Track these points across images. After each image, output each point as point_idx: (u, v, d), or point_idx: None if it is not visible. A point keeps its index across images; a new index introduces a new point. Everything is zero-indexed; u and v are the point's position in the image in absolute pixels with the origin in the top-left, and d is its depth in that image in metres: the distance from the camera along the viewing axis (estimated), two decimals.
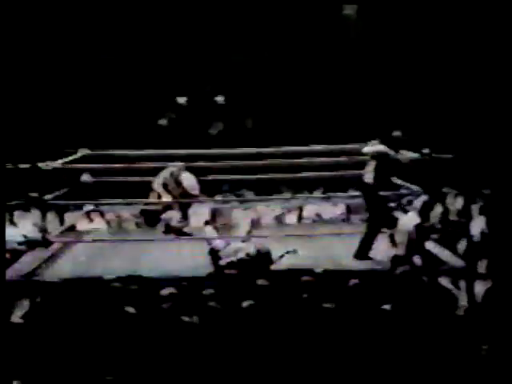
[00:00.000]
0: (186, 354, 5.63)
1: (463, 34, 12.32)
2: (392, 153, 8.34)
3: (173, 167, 9.64)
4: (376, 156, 8.32)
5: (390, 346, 5.66)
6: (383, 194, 8.35)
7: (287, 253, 7.90)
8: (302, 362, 5.58)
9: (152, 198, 10.82)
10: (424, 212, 8.79)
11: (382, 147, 8.37)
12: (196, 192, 9.58)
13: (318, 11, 13.02)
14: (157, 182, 9.63)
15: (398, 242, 8.25)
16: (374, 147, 8.46)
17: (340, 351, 5.63)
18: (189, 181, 9.56)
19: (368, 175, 8.37)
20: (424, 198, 8.85)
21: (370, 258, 8.22)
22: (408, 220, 8.31)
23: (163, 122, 12.76)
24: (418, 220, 8.23)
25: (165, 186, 9.58)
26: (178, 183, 9.55)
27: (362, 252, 8.28)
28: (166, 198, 9.56)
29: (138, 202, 10.43)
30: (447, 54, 12.51)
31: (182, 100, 12.91)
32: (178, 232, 9.54)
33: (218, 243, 8.07)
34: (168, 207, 9.73)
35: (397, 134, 8.47)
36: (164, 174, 9.61)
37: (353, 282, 6.65)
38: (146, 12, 12.87)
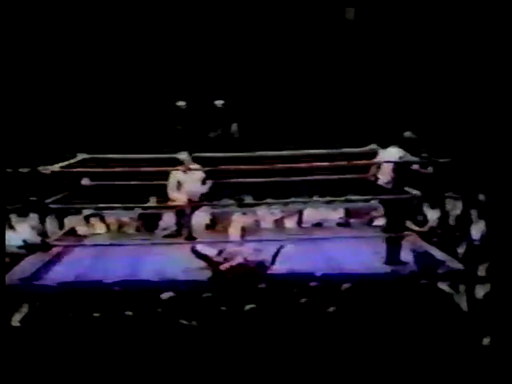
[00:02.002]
0: (185, 358, 5.62)
1: (462, 37, 12.33)
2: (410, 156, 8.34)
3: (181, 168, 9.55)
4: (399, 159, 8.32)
5: (389, 348, 5.66)
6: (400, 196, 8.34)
7: (279, 250, 7.86)
8: (302, 365, 5.58)
9: (152, 203, 10.87)
10: None
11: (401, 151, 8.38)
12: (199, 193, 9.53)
13: (316, 13, 13.05)
14: (170, 187, 9.55)
15: None
16: (397, 150, 8.45)
17: (340, 354, 5.64)
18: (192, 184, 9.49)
19: (385, 179, 8.38)
20: None
21: (402, 262, 8.13)
22: None
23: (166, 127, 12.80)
24: None
25: (178, 187, 9.52)
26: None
27: (392, 257, 8.20)
28: (181, 202, 9.51)
29: (138, 206, 10.43)
30: (446, 56, 12.54)
31: (181, 104, 12.91)
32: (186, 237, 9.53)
33: (207, 250, 8.07)
34: (181, 212, 9.64)
35: (408, 134, 8.43)
36: (175, 178, 9.53)
37: (352, 285, 6.66)
38: (146, 15, 12.89)
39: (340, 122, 12.61)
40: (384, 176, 8.36)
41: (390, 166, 8.30)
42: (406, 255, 8.28)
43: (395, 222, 8.30)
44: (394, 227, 8.30)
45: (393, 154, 8.41)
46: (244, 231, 8.91)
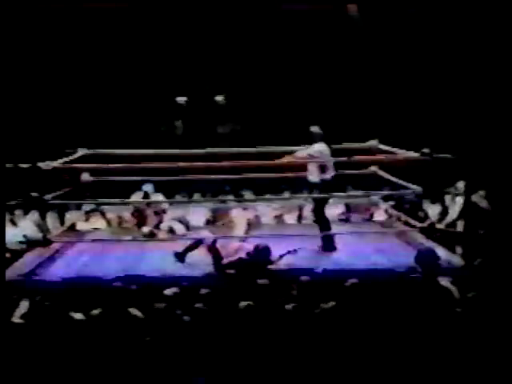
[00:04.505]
0: (185, 354, 5.63)
1: (464, 34, 12.32)
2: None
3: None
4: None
5: (389, 345, 5.67)
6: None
7: (288, 253, 7.91)
8: (301, 362, 5.59)
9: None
10: None
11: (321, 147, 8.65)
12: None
13: (317, 10, 13.04)
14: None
15: None
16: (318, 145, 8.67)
17: (339, 351, 5.64)
18: None
19: (313, 175, 8.69)
20: None
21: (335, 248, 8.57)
22: None
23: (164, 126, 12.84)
24: None
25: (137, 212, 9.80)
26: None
27: (328, 245, 8.60)
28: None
29: (138, 201, 10.43)
30: (447, 53, 12.54)
31: (181, 100, 12.92)
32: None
33: (214, 241, 8.09)
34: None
35: (314, 129, 8.69)
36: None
37: (352, 281, 6.66)
38: (146, 11, 12.89)
39: (340, 118, 12.61)
40: (312, 172, 8.71)
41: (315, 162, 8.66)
42: (404, 251, 8.34)
43: (315, 214, 8.81)
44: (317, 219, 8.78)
45: (315, 149, 8.64)
46: (249, 227, 8.93)
